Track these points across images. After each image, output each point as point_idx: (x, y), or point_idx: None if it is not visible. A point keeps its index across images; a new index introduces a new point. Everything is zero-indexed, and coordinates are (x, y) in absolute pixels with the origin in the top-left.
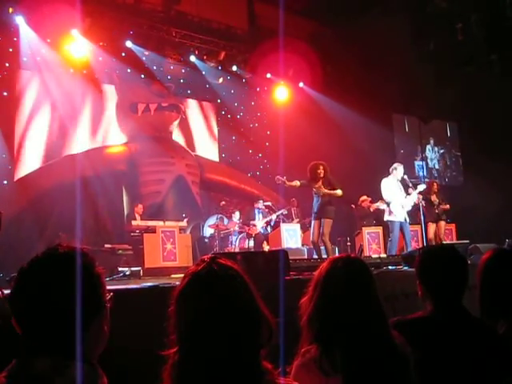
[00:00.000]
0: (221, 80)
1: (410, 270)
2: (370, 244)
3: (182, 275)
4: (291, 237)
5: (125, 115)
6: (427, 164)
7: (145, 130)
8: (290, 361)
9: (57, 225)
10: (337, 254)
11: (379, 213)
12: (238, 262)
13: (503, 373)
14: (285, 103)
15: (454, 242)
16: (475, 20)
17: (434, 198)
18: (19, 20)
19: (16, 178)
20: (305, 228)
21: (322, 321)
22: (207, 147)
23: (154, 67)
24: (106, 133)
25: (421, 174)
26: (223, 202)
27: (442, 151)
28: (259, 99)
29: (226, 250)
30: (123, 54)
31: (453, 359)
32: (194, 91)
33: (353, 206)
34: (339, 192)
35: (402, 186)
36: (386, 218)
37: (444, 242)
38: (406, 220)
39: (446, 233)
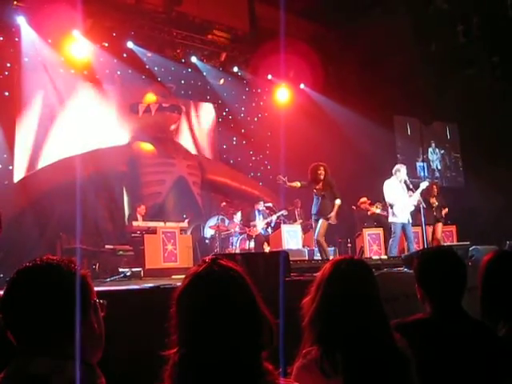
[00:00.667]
0: (222, 81)
1: (411, 271)
2: (371, 245)
3: (183, 276)
4: (292, 238)
5: (126, 116)
6: (429, 165)
7: (146, 131)
8: (291, 362)
9: (57, 225)
10: (335, 255)
11: (379, 215)
12: (239, 263)
13: (503, 375)
14: (286, 104)
15: (455, 243)
16: (476, 22)
17: (433, 200)
18: (21, 20)
19: (17, 179)
20: (307, 229)
21: (323, 322)
22: (208, 148)
23: (155, 68)
24: (106, 133)
25: (422, 174)
26: (224, 203)
27: (442, 152)
28: (260, 100)
29: (227, 251)
30: (124, 55)
31: (452, 361)
32: (194, 92)
33: (353, 207)
34: (338, 202)
35: (405, 187)
36: (390, 219)
37: (443, 244)
38: (408, 221)
39: (446, 234)
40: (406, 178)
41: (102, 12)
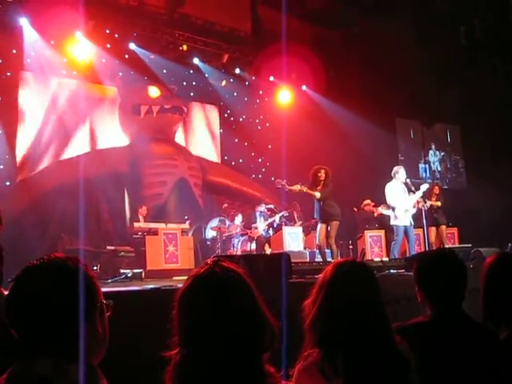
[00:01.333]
0: (224, 83)
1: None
2: (373, 247)
3: (184, 277)
4: (293, 240)
5: (127, 117)
6: (430, 167)
7: (147, 132)
8: (292, 364)
9: (59, 226)
10: (336, 257)
11: (382, 217)
12: (240, 264)
13: (504, 378)
14: (288, 106)
15: (457, 245)
16: (478, 24)
17: (435, 201)
18: (23, 21)
19: (19, 179)
20: (307, 231)
21: (325, 324)
22: (210, 149)
23: (157, 69)
24: (108, 135)
25: (424, 175)
26: (225, 205)
27: (442, 154)
28: (262, 102)
29: (228, 253)
30: (126, 56)
31: (453, 364)
32: (196, 93)
33: (355, 209)
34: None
35: (406, 189)
36: (392, 222)
37: (445, 246)
38: (411, 223)
39: (448, 236)
40: (407, 180)
41: (104, 13)
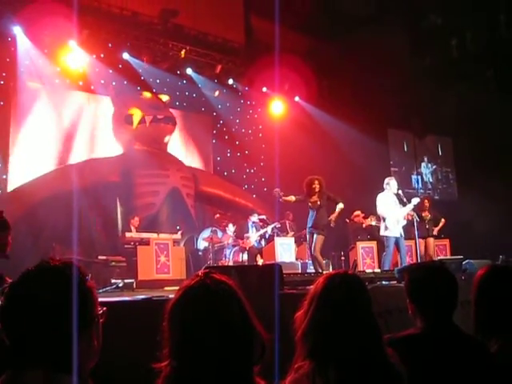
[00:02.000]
0: (217, 93)
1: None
2: (364, 259)
3: (176, 288)
4: (285, 251)
5: (120, 127)
6: (422, 178)
7: (140, 142)
8: (283, 376)
9: (50, 236)
10: (330, 269)
11: (372, 228)
12: (232, 275)
13: None
14: (280, 117)
15: (448, 257)
16: (470, 37)
17: (425, 214)
18: (17, 30)
19: (10, 189)
20: (299, 242)
21: (316, 336)
22: (202, 160)
23: (151, 79)
24: (101, 144)
25: (417, 186)
26: (217, 215)
27: (434, 166)
28: (255, 113)
29: (220, 263)
30: (120, 66)
31: (444, 377)
32: (189, 104)
33: (347, 220)
34: (341, 205)
35: (397, 200)
36: (382, 233)
37: (435, 259)
38: (401, 235)
39: (440, 248)
40: (399, 191)
41: (98, 23)
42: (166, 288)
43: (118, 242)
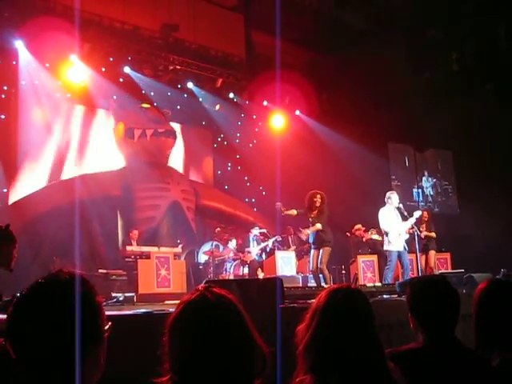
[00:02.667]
0: (218, 107)
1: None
2: (365, 272)
3: (176, 301)
4: (286, 264)
5: (121, 140)
6: (423, 192)
7: (141, 156)
8: None
9: (51, 249)
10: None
11: (372, 242)
12: (233, 289)
13: None
14: (281, 131)
15: (449, 271)
16: (470, 50)
17: (423, 227)
18: (18, 44)
19: (11, 202)
20: (300, 256)
21: (318, 350)
22: (203, 173)
23: (152, 93)
24: (101, 158)
25: (417, 199)
26: (218, 229)
27: (434, 180)
28: (255, 126)
29: (221, 277)
30: (121, 80)
31: None
32: (190, 117)
33: (348, 234)
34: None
35: (399, 214)
36: (385, 247)
37: (437, 273)
38: (404, 248)
39: (440, 262)
40: (400, 205)
41: (99, 37)
42: (167, 302)
43: (118, 256)
